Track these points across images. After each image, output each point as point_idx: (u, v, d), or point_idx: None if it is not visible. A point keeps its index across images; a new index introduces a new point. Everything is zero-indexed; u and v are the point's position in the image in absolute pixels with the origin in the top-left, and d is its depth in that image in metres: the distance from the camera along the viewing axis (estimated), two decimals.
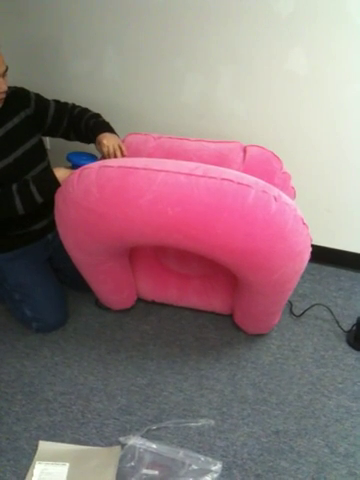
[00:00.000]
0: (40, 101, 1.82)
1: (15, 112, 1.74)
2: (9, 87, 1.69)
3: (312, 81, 1.83)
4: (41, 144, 1.85)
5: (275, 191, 1.39)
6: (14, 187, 1.64)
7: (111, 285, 1.85)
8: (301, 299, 2.05)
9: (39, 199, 1.65)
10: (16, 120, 1.73)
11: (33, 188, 1.64)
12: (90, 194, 1.43)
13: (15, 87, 1.77)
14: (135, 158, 1.57)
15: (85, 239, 1.56)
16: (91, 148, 1.80)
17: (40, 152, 1.84)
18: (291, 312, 1.98)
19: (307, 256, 1.49)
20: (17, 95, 1.76)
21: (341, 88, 1.81)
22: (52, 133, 1.90)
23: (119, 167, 1.44)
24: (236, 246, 1.39)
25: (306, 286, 2.12)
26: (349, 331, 1.88)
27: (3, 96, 1.64)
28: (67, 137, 1.92)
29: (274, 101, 1.93)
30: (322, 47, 1.76)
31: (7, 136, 1.70)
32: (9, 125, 1.71)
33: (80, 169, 1.49)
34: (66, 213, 1.53)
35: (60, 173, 1.64)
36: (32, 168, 1.77)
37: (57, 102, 1.87)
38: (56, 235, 1.65)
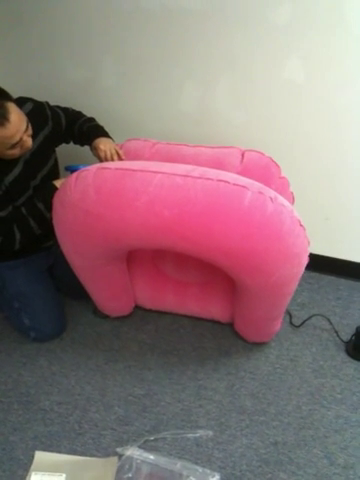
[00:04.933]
0: (55, 117, 1.79)
1: (34, 136, 1.64)
2: (24, 101, 1.67)
3: (310, 89, 1.83)
4: (56, 164, 1.85)
5: (271, 192, 1.39)
6: (23, 210, 1.65)
7: (109, 291, 1.84)
8: (299, 308, 2.04)
9: (48, 215, 1.66)
10: (34, 145, 1.67)
11: (40, 206, 1.65)
12: (87, 196, 1.44)
13: (32, 102, 1.70)
14: (132, 161, 1.58)
15: (83, 242, 1.55)
16: (88, 155, 1.81)
17: (55, 173, 1.84)
18: (291, 323, 1.97)
19: (305, 259, 1.48)
20: (35, 115, 1.67)
21: (338, 95, 1.81)
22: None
23: (116, 169, 1.44)
24: (232, 247, 1.39)
25: (304, 295, 2.12)
26: (348, 341, 1.87)
27: (27, 151, 1.63)
28: (65, 141, 1.92)
29: (272, 109, 1.93)
30: (319, 55, 1.76)
31: (27, 166, 1.68)
32: (27, 154, 1.68)
33: (78, 171, 1.49)
34: (64, 216, 1.53)
35: (60, 184, 1.63)
36: None
37: (65, 110, 1.86)
38: (57, 242, 1.65)
